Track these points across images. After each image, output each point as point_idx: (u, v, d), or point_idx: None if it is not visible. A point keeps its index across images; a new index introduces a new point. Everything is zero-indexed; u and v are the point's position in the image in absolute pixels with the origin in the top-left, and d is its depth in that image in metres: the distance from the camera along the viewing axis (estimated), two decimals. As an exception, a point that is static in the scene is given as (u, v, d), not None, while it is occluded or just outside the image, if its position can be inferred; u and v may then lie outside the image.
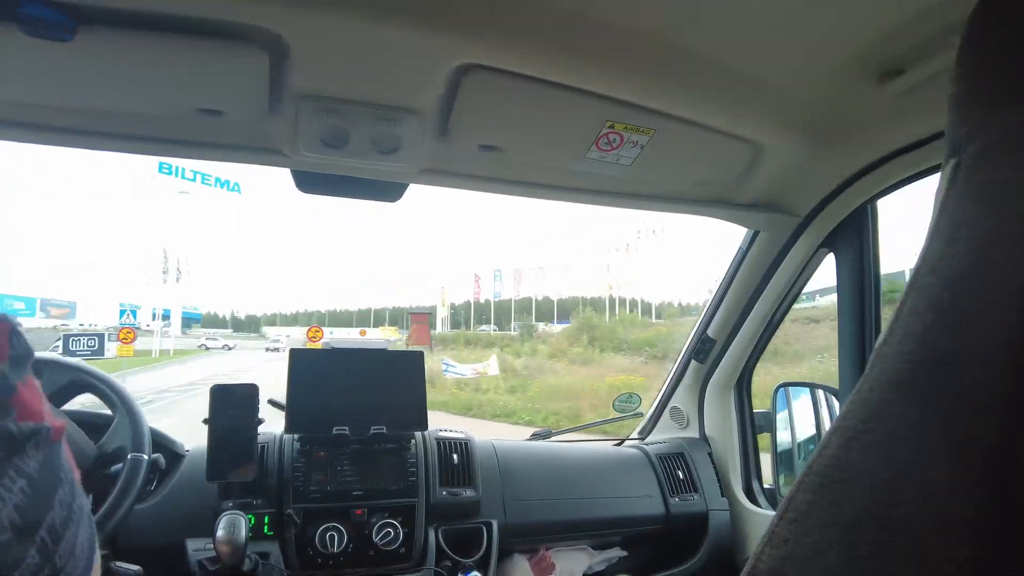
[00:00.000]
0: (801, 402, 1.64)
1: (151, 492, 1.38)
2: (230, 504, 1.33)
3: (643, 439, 2.00)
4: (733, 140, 1.14)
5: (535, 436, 1.94)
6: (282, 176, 1.18)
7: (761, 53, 0.90)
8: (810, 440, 1.60)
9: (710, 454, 1.84)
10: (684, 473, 1.78)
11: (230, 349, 32.62)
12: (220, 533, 1.18)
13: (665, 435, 1.96)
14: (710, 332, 1.76)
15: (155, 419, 1.38)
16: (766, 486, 1.76)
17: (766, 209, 1.41)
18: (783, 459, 1.66)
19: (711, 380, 1.83)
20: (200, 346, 32.23)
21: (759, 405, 1.80)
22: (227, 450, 1.32)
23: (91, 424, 1.30)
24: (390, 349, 1.65)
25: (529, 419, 10.51)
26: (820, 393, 1.61)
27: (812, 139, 1.16)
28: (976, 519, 0.20)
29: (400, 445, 1.52)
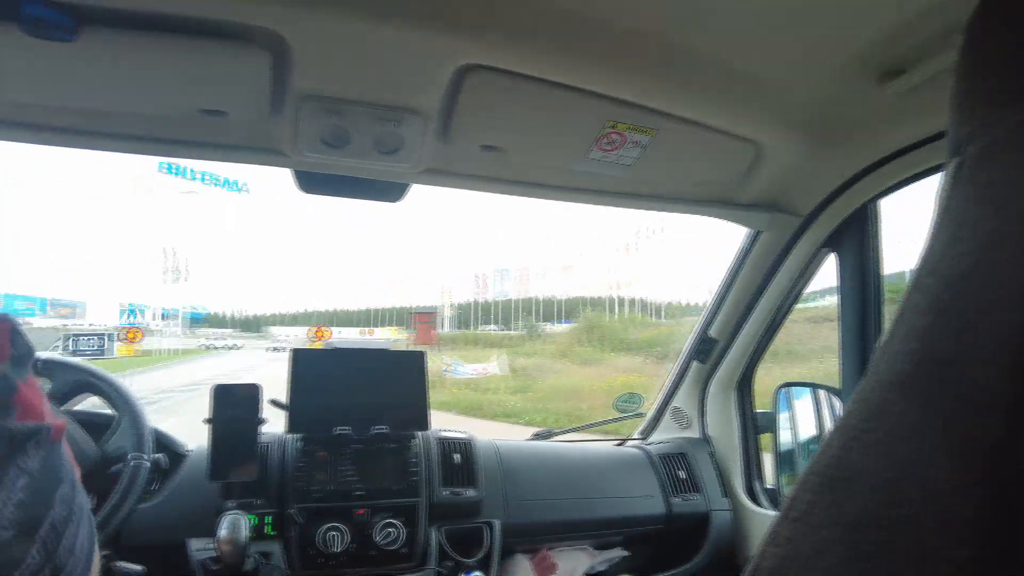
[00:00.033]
0: (803, 402, 1.64)
1: (153, 492, 1.38)
2: (232, 504, 1.33)
3: (645, 439, 2.00)
4: (734, 140, 1.14)
5: (537, 436, 1.94)
6: (288, 177, 1.18)
7: (762, 53, 0.90)
8: (812, 440, 1.60)
9: (712, 454, 1.83)
10: (686, 473, 1.78)
11: (238, 348, 32.68)
12: (222, 533, 1.18)
13: (667, 435, 1.96)
14: (712, 332, 1.76)
15: (159, 419, 1.38)
16: (768, 486, 1.75)
17: (767, 209, 1.41)
18: (784, 459, 1.66)
19: (713, 380, 1.83)
20: (204, 346, 32.30)
21: (760, 405, 1.80)
22: (229, 450, 1.32)
23: (94, 424, 1.30)
24: (392, 349, 1.65)
25: (541, 420, 10.42)
26: (822, 393, 1.60)
27: (813, 139, 1.16)
28: (976, 519, 0.20)
29: (402, 445, 1.52)
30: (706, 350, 1.79)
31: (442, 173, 1.17)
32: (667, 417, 1.99)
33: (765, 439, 1.78)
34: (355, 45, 0.83)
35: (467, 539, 1.50)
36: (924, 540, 0.21)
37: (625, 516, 1.68)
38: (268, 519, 1.37)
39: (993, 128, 0.25)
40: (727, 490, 1.77)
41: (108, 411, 1.32)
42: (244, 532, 1.19)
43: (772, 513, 1.65)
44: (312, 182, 1.19)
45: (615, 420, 2.12)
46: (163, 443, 1.44)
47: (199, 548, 1.28)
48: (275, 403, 1.49)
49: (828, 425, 1.57)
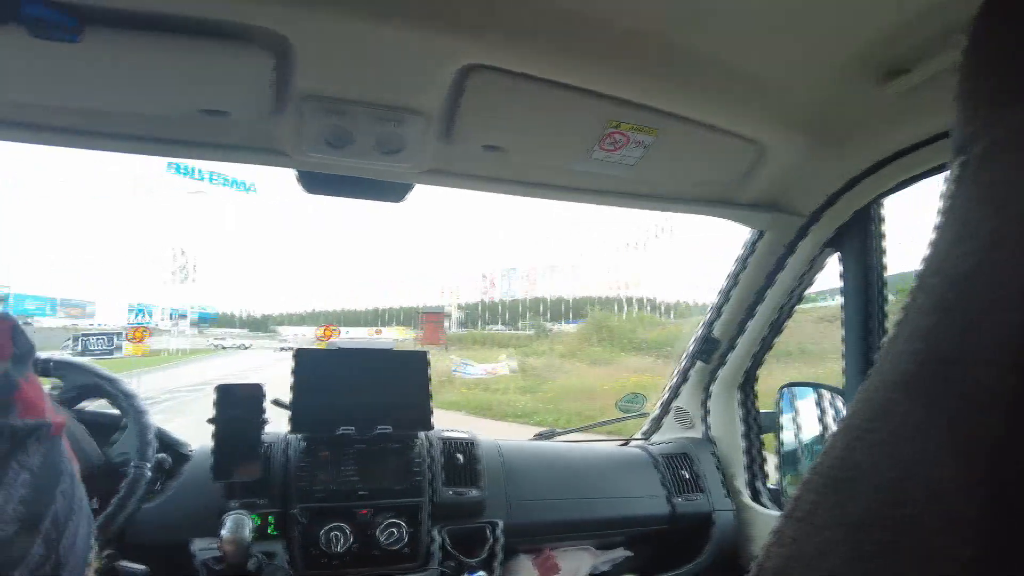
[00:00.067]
0: (806, 402, 1.63)
1: (157, 492, 1.39)
2: (235, 503, 1.33)
3: (648, 439, 2.00)
4: (735, 140, 1.14)
5: (539, 436, 1.94)
6: (293, 177, 1.19)
7: (762, 53, 0.90)
8: (815, 440, 1.59)
9: (715, 454, 1.83)
10: (689, 473, 1.77)
11: (245, 348, 32.78)
12: (225, 532, 1.19)
13: (670, 435, 1.96)
14: (715, 332, 1.76)
15: (165, 419, 1.39)
16: (771, 486, 1.75)
17: (770, 209, 1.41)
18: (788, 459, 1.65)
19: (716, 380, 1.83)
20: (212, 346, 32.42)
21: (764, 406, 1.79)
22: (232, 449, 1.33)
23: (99, 425, 1.31)
24: (396, 349, 1.66)
25: (552, 420, 10.30)
26: (825, 393, 1.60)
27: (814, 139, 1.16)
28: (979, 519, 0.20)
29: (405, 445, 1.52)
30: (709, 350, 1.79)
31: (444, 173, 1.18)
32: (670, 417, 1.99)
33: (768, 439, 1.77)
34: (357, 45, 0.84)
35: (470, 539, 1.50)
36: (928, 540, 0.21)
37: (628, 516, 1.67)
38: (271, 519, 1.37)
39: (996, 128, 0.25)
40: (730, 490, 1.77)
41: (115, 411, 1.33)
42: (247, 532, 1.20)
43: (776, 513, 1.65)
44: (315, 182, 1.19)
45: (618, 420, 2.12)
46: (166, 443, 1.44)
47: (202, 548, 1.28)
48: (278, 403, 1.50)
49: (832, 425, 1.56)
